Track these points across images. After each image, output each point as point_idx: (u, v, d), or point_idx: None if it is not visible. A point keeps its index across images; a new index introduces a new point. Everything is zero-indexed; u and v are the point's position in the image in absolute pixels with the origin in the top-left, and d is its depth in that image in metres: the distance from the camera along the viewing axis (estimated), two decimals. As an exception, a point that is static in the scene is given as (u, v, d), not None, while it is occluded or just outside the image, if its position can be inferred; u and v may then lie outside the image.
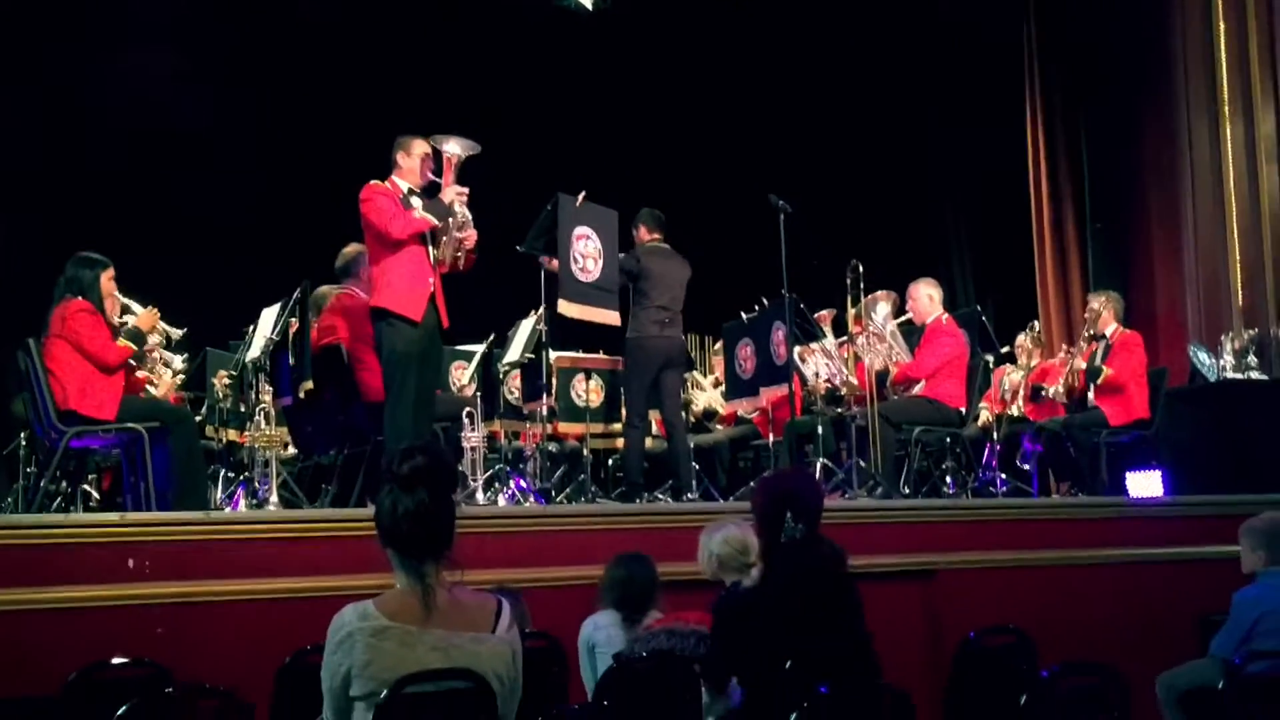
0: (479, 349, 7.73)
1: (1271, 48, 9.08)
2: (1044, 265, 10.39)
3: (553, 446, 7.99)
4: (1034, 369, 8.42)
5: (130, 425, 5.67)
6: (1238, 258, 9.18)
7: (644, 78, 10.37)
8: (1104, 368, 7.65)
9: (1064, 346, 8.70)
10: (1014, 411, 8.40)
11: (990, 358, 8.37)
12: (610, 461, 8.69)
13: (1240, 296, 9.12)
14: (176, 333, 6.86)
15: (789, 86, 10.72)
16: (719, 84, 10.58)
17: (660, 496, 7.35)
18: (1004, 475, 7.68)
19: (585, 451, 7.64)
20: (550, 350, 7.41)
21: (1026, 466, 7.83)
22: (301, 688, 3.57)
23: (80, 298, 5.75)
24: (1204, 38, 9.41)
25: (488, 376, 7.73)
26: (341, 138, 8.92)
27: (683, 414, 7.95)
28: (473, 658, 2.80)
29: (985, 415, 8.38)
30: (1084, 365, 7.77)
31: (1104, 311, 7.89)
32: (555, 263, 6.79)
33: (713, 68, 10.50)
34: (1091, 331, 7.89)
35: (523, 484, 6.97)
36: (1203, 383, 8.52)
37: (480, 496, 6.54)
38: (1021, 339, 8.61)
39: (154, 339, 6.62)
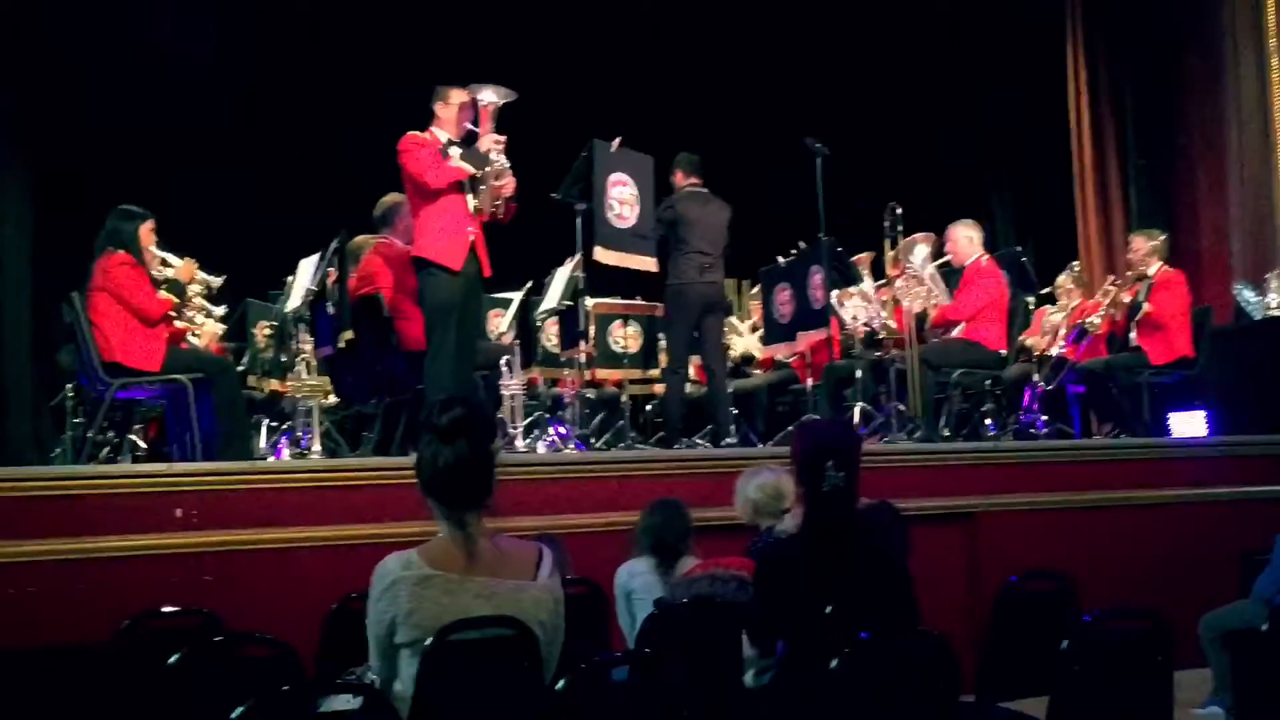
0: (516, 296, 7.75)
1: (1321, -25, 8.86)
2: (1085, 204, 10.22)
3: (590, 393, 8.01)
4: (1075, 309, 8.34)
5: (174, 376, 5.74)
6: (1285, 192, 9.01)
7: (681, 20, 10.25)
8: (1145, 304, 7.57)
9: (1109, 278, 8.54)
10: (1054, 352, 8.33)
11: (1031, 299, 8.30)
12: (648, 407, 8.72)
13: (1287, 232, 8.97)
14: (216, 281, 6.90)
15: (826, 27, 10.57)
16: (756, 25, 10.44)
17: (699, 442, 7.37)
18: (1045, 417, 7.63)
19: (623, 397, 7.65)
20: (587, 297, 7.42)
21: (1045, 386, 7.74)
22: (348, 634, 3.62)
23: (122, 250, 5.81)
24: (1250, -35, 9.19)
25: (525, 324, 7.75)
26: (379, 87, 8.88)
27: (724, 360, 7.94)
28: (515, 605, 2.83)
29: (1036, 341, 8.28)
30: (1127, 300, 7.68)
31: (1147, 250, 7.78)
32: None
33: (749, 8, 10.36)
34: (1137, 271, 7.77)
35: (562, 430, 7.01)
36: (1248, 321, 8.40)
37: (520, 443, 6.58)
38: (1062, 279, 8.52)
39: (194, 289, 6.67)
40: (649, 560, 4.35)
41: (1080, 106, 10.29)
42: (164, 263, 6.22)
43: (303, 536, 4.93)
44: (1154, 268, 7.70)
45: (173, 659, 2.88)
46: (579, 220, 6.96)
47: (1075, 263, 8.90)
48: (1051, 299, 8.57)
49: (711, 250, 7.18)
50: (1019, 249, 8.49)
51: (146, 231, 5.95)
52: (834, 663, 2.87)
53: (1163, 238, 7.90)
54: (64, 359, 7.11)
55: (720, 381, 7.38)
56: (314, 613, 4.07)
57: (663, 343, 7.89)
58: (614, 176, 6.80)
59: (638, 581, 4.33)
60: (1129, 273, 7.87)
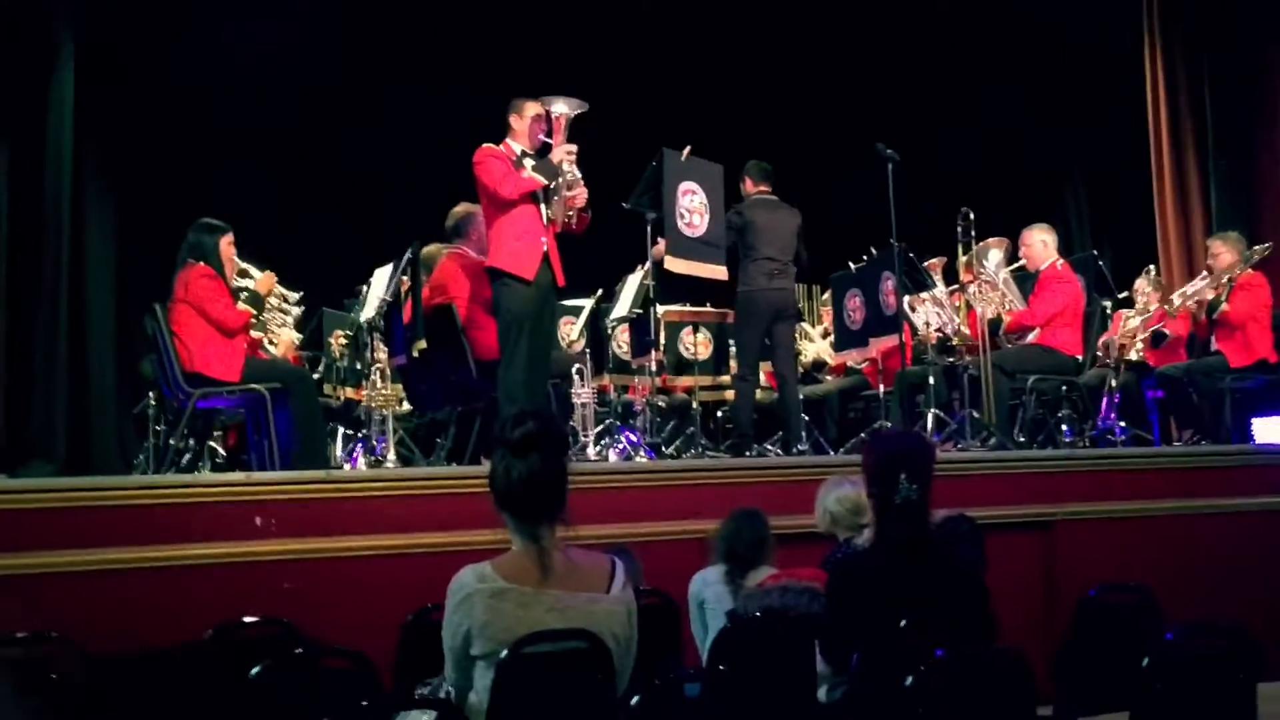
0: (587, 304, 7.79)
1: None
2: (1164, 207, 10.01)
3: (661, 400, 8.03)
4: (1155, 312, 8.19)
5: (253, 386, 5.85)
6: (1372, 190, 8.78)
7: (748, 28, 10.23)
8: (1223, 303, 7.41)
9: (1201, 273, 8.34)
10: (1133, 356, 8.20)
11: (1108, 303, 8.16)
12: (719, 413, 8.71)
13: (1374, 232, 8.71)
14: (294, 295, 7.02)
15: (895, 32, 10.50)
16: (823, 31, 10.40)
17: (770, 449, 7.35)
18: (1123, 423, 7.50)
19: (694, 404, 7.66)
20: (658, 305, 7.43)
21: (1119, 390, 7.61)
22: (425, 644, 3.64)
23: (202, 263, 5.93)
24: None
25: (596, 331, 7.79)
26: (454, 100, 8.93)
27: (795, 366, 7.92)
28: (588, 618, 2.85)
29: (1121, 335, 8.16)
30: (1210, 296, 7.52)
31: (1226, 253, 7.62)
32: (661, 248, 6.79)
33: (816, 14, 10.31)
34: (1224, 278, 7.61)
35: (633, 438, 7.03)
36: (1334, 322, 8.19)
37: (591, 451, 6.61)
38: (1140, 283, 8.38)
39: (272, 300, 6.78)
40: (722, 568, 4.34)
41: (1158, 106, 10.09)
42: (243, 274, 6.35)
43: (379, 545, 4.98)
44: (1235, 270, 7.54)
45: (254, 671, 2.92)
46: (649, 228, 6.99)
47: (1151, 266, 8.74)
48: (1129, 303, 8.42)
49: (780, 257, 7.17)
50: (1095, 253, 8.34)
51: (227, 244, 6.08)
52: (909, 679, 2.85)
53: (1238, 237, 7.72)
54: (146, 368, 7.26)
55: (792, 388, 7.36)
56: (391, 621, 4.10)
57: (733, 349, 7.89)
58: (684, 185, 6.81)
59: (710, 591, 4.33)
60: (1216, 278, 7.68)
